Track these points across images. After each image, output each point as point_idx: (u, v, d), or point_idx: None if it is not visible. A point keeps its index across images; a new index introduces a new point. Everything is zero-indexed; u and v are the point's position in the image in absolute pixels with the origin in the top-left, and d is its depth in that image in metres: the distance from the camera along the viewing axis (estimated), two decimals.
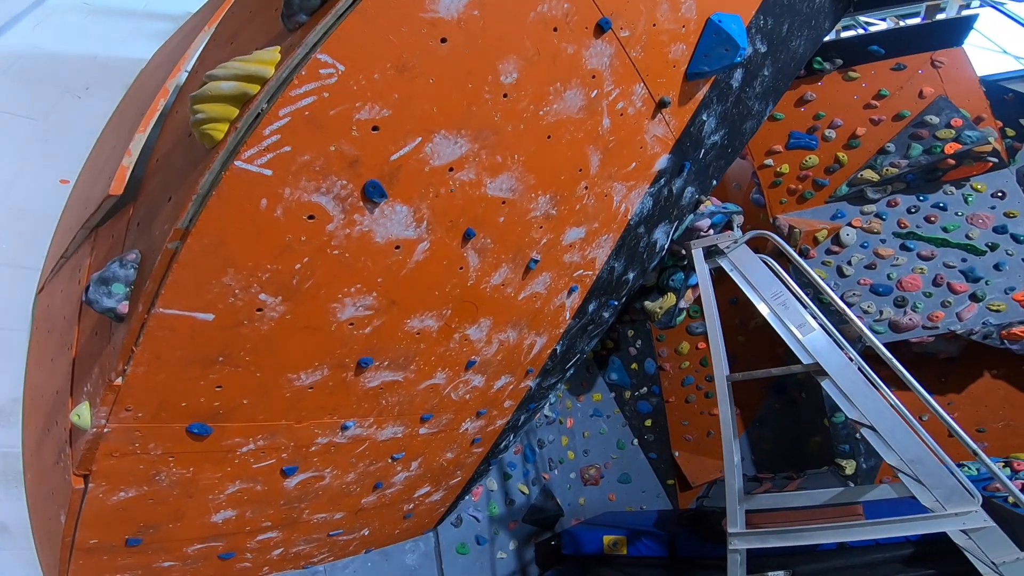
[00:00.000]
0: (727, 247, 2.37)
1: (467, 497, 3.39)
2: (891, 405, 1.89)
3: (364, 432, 1.80)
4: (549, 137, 1.47)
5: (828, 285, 3.72)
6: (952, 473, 1.84)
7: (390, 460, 2.03)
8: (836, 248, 3.79)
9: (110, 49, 2.05)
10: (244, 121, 0.92)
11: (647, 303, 4.09)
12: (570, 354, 2.61)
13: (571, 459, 4.82)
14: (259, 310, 1.22)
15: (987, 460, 1.92)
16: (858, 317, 3.94)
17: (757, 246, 2.64)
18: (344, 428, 1.71)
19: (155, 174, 1.22)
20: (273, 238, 1.11)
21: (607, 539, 3.31)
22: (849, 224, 3.58)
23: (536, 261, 1.82)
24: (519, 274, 1.81)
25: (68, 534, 1.35)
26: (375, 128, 1.07)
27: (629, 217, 2.13)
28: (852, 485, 3.40)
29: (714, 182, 2.64)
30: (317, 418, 1.60)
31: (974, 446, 1.90)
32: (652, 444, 5.91)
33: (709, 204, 3.23)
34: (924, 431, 1.91)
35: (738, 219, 3.68)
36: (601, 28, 1.32)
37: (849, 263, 3.62)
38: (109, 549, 1.47)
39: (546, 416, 4.57)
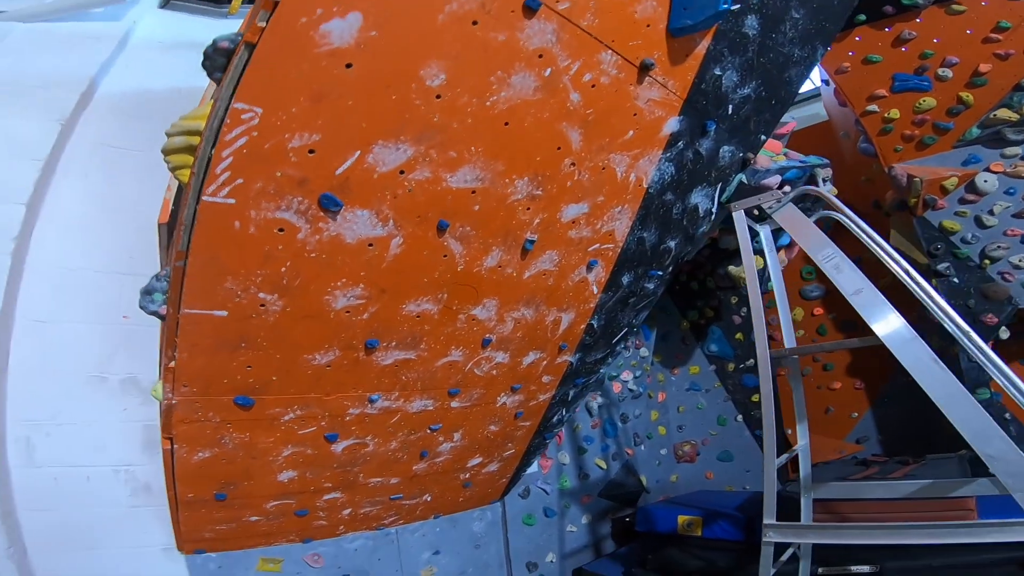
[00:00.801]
0: (770, 207, 2.16)
1: (535, 469, 3.63)
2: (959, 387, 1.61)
3: (393, 404, 2.10)
4: (507, 124, 1.54)
5: (967, 236, 3.33)
6: None
7: (428, 431, 2.33)
8: (972, 196, 3.45)
9: (189, 80, 2.52)
10: (198, 165, 1.20)
11: (731, 268, 3.91)
12: (613, 328, 2.63)
13: (662, 434, 4.77)
14: (262, 305, 1.55)
15: None
16: (1007, 273, 3.29)
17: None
18: (371, 401, 2.03)
19: (181, 205, 1.59)
20: (254, 250, 1.41)
21: (682, 519, 3.29)
22: (987, 170, 3.22)
23: (532, 241, 1.90)
24: (516, 255, 1.91)
25: (170, 489, 1.87)
26: (311, 151, 1.28)
27: (646, 185, 2.07)
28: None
29: (762, 137, 2.39)
30: (343, 392, 1.93)
31: None
32: (760, 420, 5.67)
33: (782, 159, 2.97)
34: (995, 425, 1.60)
35: (823, 172, 3.31)
36: (530, 8, 1.34)
37: (991, 212, 3.20)
38: (203, 503, 2.00)
39: (631, 390, 4.57)
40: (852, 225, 2.00)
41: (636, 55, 1.67)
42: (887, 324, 1.84)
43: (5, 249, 2.32)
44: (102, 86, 2.74)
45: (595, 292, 2.32)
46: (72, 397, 2.35)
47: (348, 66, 1.18)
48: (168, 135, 1.22)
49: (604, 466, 4.13)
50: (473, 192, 1.63)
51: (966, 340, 1.69)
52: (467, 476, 2.78)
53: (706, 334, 5.60)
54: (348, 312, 1.69)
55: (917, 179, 3.55)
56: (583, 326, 2.43)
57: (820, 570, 2.70)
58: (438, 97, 1.36)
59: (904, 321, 1.82)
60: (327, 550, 2.68)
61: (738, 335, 5.52)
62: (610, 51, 1.59)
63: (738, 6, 1.75)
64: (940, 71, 3.29)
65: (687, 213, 2.38)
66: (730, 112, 2.14)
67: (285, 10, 1.09)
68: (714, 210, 2.47)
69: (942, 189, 3.53)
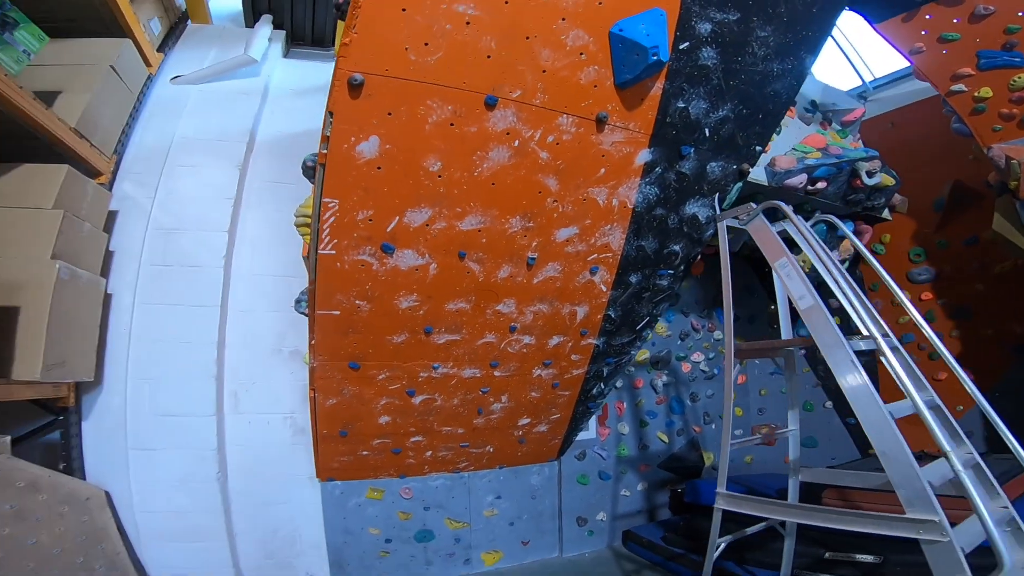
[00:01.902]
0: (742, 220, 2.64)
1: (593, 436, 4.39)
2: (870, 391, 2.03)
3: (450, 371, 3.09)
4: (494, 184, 2.36)
5: None
6: (917, 476, 1.88)
7: (480, 392, 3.28)
8: None
9: (316, 123, 3.47)
10: (312, 233, 2.26)
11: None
12: (633, 317, 3.30)
13: (738, 415, 5.10)
14: (358, 307, 2.61)
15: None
16: None
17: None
18: (434, 368, 3.04)
19: (309, 252, 2.73)
20: (349, 277, 2.45)
21: None
22: None
23: (534, 258, 2.70)
24: (523, 268, 2.73)
25: (313, 427, 3.10)
26: (370, 220, 2.26)
27: (631, 206, 2.72)
28: None
29: (757, 149, 2.80)
30: (414, 360, 2.96)
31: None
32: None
33: (817, 154, 3.30)
34: (892, 423, 1.98)
35: (867, 165, 3.50)
36: (490, 104, 2.14)
37: None
38: (333, 438, 3.21)
39: (703, 371, 5.02)
40: (796, 232, 2.44)
41: (591, 112, 2.32)
42: (824, 329, 2.28)
43: (218, 264, 3.59)
44: (259, 134, 3.96)
45: (604, 290, 3.03)
46: (261, 364, 3.65)
47: (379, 168, 2.13)
48: (295, 215, 2.33)
49: (666, 440, 4.70)
50: (479, 231, 2.50)
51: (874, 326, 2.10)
52: (520, 433, 3.71)
53: (797, 317, 5.69)
54: (410, 310, 2.70)
55: (1015, 161, 3.49)
56: (599, 316, 3.15)
57: (826, 555, 3.07)
58: (439, 176, 2.25)
59: (835, 326, 2.25)
60: (415, 486, 3.81)
61: (836, 319, 5.55)
62: (565, 115, 2.30)
63: (667, 58, 2.21)
64: None
65: (685, 222, 2.94)
66: (708, 135, 2.64)
67: (334, 142, 2.05)
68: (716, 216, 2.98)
69: None
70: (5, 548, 2.57)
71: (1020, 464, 3.17)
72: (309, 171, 2.22)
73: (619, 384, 4.53)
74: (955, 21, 3.39)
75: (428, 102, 2.03)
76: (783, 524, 2.92)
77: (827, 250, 2.47)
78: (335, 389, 2.96)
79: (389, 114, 2.01)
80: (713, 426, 5.03)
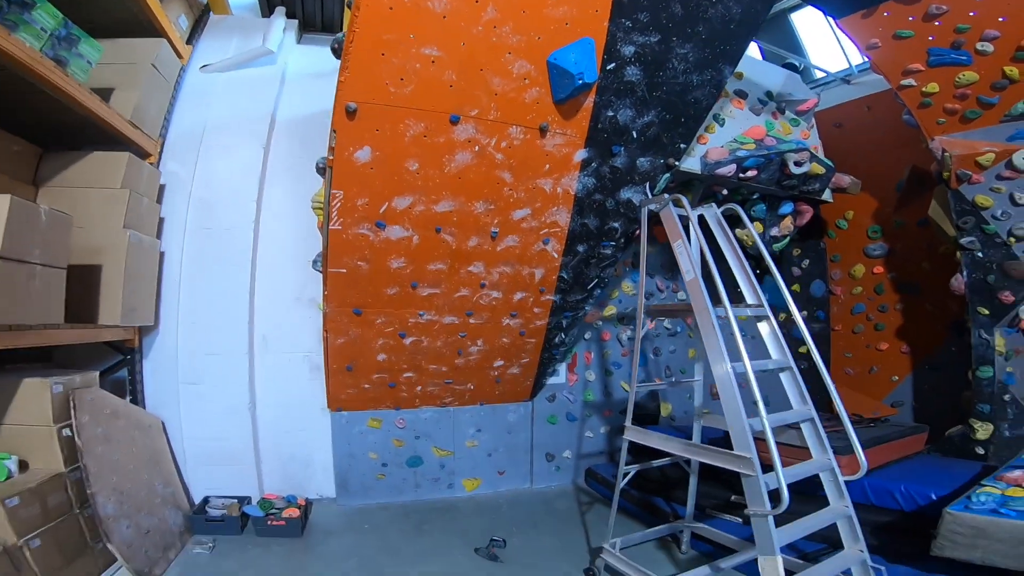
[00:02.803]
0: (656, 207, 3.42)
1: (562, 380, 5.32)
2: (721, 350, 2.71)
3: (433, 318, 4.00)
4: (460, 177, 3.21)
5: (997, 213, 3.90)
6: (743, 422, 2.53)
7: (459, 336, 4.22)
8: (1010, 174, 3.77)
9: (329, 103, 3.07)
10: (324, 214, 3.16)
11: (738, 231, 4.96)
12: (583, 279, 4.15)
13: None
14: (360, 267, 3.53)
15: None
16: None
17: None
18: (420, 315, 3.97)
19: (323, 227, 3.64)
20: (352, 244, 3.35)
21: None
22: None
23: (496, 232, 3.56)
24: (488, 239, 3.59)
25: (326, 363, 4.10)
26: (367, 204, 3.14)
27: (574, 193, 3.55)
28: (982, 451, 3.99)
29: (682, 146, 3.55)
30: (403, 308, 3.89)
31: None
32: (804, 373, 6.29)
33: (752, 146, 3.99)
34: (733, 379, 2.63)
35: (795, 156, 4.18)
36: (453, 122, 2.96)
37: None
38: (341, 372, 4.20)
39: (666, 328, 5.88)
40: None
41: (535, 123, 3.10)
42: (698, 297, 2.95)
43: (248, 228, 4.52)
44: (279, 116, 4.81)
45: (556, 257, 3.89)
46: (284, 311, 4.63)
47: (371, 168, 3.00)
48: (311, 201, 3.26)
49: (628, 389, 5.62)
50: (451, 212, 3.36)
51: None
52: (496, 374, 4.67)
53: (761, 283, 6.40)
54: (399, 269, 3.59)
55: (948, 153, 3.92)
56: (554, 277, 4.02)
57: (732, 497, 3.69)
58: (417, 174, 3.10)
59: (706, 295, 2.91)
60: (408, 417, 4.76)
61: (795, 286, 6.22)
62: (515, 126, 3.12)
63: (594, 79, 2.91)
64: (979, 45, 3.51)
65: (622, 204, 3.75)
66: (635, 136, 3.42)
67: (338, 151, 2.90)
68: (648, 200, 3.78)
69: (977, 164, 3.83)
70: (99, 464, 3.23)
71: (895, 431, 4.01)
72: (320, 170, 3.10)
73: (587, 336, 5.43)
74: (910, 19, 3.65)
75: (406, 121, 2.87)
76: (688, 462, 3.64)
77: (729, 234, 3.25)
78: (343, 330, 3.93)
79: (377, 130, 2.86)
80: (674, 379, 5.91)
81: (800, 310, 5.97)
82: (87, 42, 3.46)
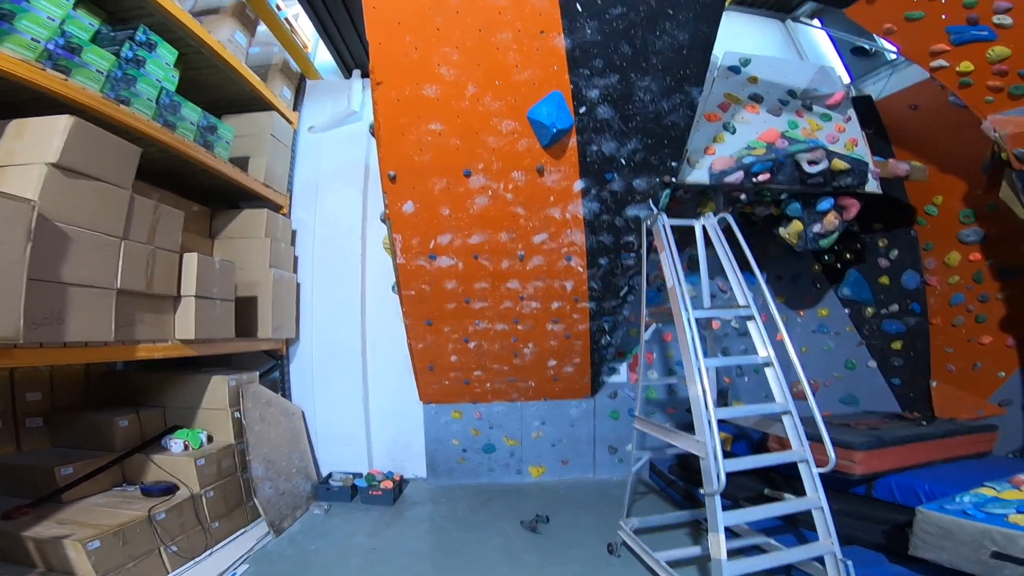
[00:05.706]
0: (650, 221, 4.37)
1: (624, 379, 6.30)
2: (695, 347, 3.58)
3: (487, 326, 5.34)
4: (482, 216, 4.50)
5: None
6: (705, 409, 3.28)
7: (512, 340, 5.50)
8: None
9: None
10: (391, 251, 4.70)
11: (780, 230, 5.64)
12: (613, 287, 5.18)
13: None
14: (424, 289, 5.00)
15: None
16: None
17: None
18: (477, 323, 5.33)
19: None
20: (416, 274, 4.82)
21: (721, 434, 5.38)
22: None
23: (522, 254, 4.79)
24: (516, 261, 4.83)
25: (413, 364, 5.69)
26: (418, 242, 4.61)
27: (582, 216, 4.65)
28: None
29: (673, 164, 4.43)
30: (463, 319, 5.29)
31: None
32: (899, 369, 6.42)
33: (762, 151, 4.73)
34: (703, 372, 3.39)
35: (808, 155, 4.77)
36: (465, 175, 4.27)
37: None
38: (425, 371, 5.74)
39: (734, 328, 6.52)
40: (666, 228, 4.15)
41: (532, 166, 4.24)
42: (676, 302, 3.81)
43: (357, 258, 6.35)
44: (371, 165, 6.55)
45: (581, 271, 4.97)
46: (388, 321, 6.28)
47: (416, 216, 4.42)
48: (383, 243, 4.86)
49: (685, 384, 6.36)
50: (483, 242, 4.68)
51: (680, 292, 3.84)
52: (552, 373, 5.85)
53: (842, 277, 6.66)
54: (453, 289, 5.01)
55: (998, 133, 4.08)
56: (584, 288, 5.11)
57: (765, 491, 4.36)
58: (450, 216, 4.49)
59: (685, 301, 3.73)
60: (483, 410, 6.13)
61: (883, 279, 6.33)
62: (516, 171, 4.33)
63: (568, 124, 3.89)
64: (996, 19, 3.60)
65: (630, 221, 4.73)
66: (624, 163, 4.38)
67: (391, 206, 4.36)
68: (657, 212, 4.73)
69: None
70: (256, 439, 4.86)
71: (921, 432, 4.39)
72: (383, 220, 4.67)
73: (647, 337, 6.32)
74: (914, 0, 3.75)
75: (432, 179, 4.26)
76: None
77: (723, 242, 4.11)
78: (421, 337, 5.46)
79: (414, 188, 4.29)
80: (746, 378, 6.44)
81: (887, 305, 6.24)
82: (222, 126, 5.12)
